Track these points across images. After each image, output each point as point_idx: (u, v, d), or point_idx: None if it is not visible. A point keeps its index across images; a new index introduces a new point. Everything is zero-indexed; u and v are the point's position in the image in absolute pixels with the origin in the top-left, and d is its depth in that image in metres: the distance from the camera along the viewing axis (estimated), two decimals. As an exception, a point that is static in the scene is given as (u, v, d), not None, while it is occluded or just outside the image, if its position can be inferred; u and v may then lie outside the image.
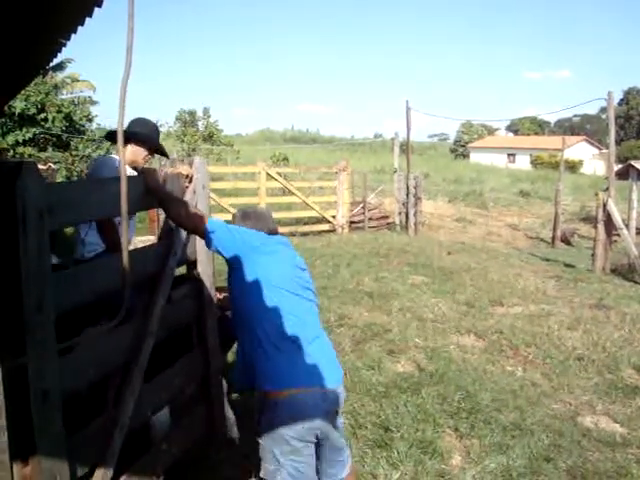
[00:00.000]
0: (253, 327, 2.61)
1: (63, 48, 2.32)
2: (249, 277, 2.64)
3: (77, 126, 18.87)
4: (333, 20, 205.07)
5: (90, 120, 20.07)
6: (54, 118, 17.74)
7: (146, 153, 3.89)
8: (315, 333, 2.70)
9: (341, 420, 2.84)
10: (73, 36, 2.16)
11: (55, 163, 16.60)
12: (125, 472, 2.64)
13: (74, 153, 18.14)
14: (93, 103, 21.13)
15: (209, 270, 3.51)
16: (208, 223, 2.72)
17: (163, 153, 4.18)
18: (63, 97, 19.93)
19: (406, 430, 4.11)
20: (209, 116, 31.14)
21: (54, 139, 18.09)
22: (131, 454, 2.68)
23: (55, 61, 3.61)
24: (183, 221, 2.82)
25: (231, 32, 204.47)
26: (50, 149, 17.89)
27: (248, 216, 2.91)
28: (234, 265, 2.70)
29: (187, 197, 3.20)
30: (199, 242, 3.26)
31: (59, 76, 20.64)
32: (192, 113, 31.95)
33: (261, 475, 2.64)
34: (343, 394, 2.75)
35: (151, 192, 2.79)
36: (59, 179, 15.39)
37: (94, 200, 2.40)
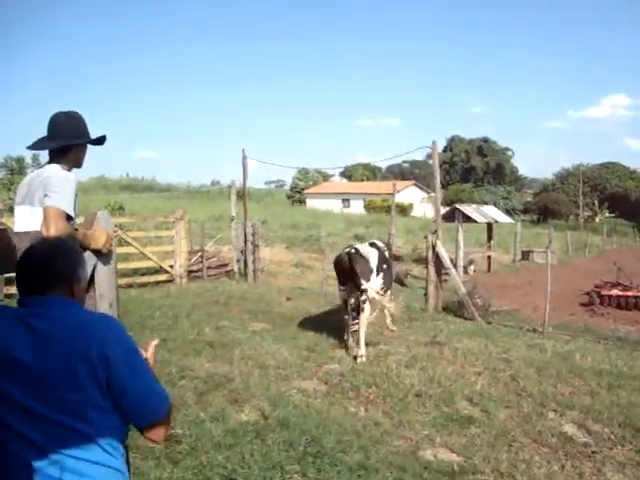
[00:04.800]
0: None
1: None
2: None
3: None
4: (165, 68, 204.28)
5: None
6: None
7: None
8: None
9: None
10: None
11: None
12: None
13: None
14: None
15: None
16: None
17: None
18: None
19: (254, 480, 4.03)
20: (39, 163, 29.48)
21: None
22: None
23: None
24: None
25: (56, 76, 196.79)
26: None
27: None
28: None
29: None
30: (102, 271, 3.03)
31: None
32: (20, 160, 30.09)
33: None
34: None
35: None
36: None
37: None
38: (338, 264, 8.52)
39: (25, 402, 1.81)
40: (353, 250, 8.39)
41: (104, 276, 2.96)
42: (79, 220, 3.16)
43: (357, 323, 8.18)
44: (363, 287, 8.03)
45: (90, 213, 3.17)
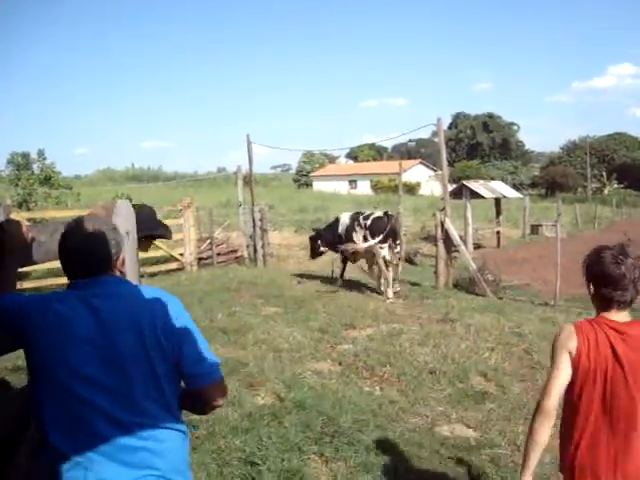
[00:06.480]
0: None
1: None
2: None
3: None
4: (169, 56, 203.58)
5: None
6: None
7: None
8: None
9: None
10: None
11: None
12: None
13: None
14: None
15: None
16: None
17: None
18: None
19: (272, 462, 4.06)
20: (44, 158, 29.48)
21: None
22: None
23: None
24: None
25: (61, 67, 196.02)
26: None
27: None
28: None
29: None
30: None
31: None
32: (25, 155, 30.06)
33: None
34: None
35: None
36: None
37: None
38: (385, 224, 10.64)
39: (100, 378, 1.88)
40: (392, 213, 11.07)
41: (128, 266, 2.90)
42: None
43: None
44: (399, 242, 10.87)
45: (110, 202, 3.14)
